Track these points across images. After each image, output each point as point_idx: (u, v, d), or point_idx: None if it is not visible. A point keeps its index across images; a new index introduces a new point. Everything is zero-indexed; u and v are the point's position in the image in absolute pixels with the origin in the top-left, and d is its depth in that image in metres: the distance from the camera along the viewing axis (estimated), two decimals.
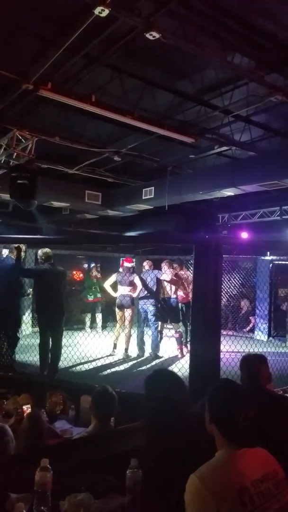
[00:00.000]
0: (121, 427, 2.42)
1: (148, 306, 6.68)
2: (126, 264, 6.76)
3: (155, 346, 6.59)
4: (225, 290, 9.49)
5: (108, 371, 5.71)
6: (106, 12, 3.21)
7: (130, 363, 6.20)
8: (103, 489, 1.66)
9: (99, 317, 9.06)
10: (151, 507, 1.61)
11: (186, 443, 1.65)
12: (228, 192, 6.92)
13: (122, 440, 2.14)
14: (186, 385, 1.92)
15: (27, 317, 8.38)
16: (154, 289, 6.71)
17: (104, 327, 8.99)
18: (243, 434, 1.51)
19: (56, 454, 1.85)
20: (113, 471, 1.76)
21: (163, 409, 1.73)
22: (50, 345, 5.20)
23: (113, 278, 6.79)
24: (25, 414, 2.76)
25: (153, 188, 7.67)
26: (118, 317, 6.72)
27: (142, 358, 6.51)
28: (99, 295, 8.78)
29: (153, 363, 6.26)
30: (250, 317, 9.80)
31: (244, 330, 9.63)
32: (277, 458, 1.55)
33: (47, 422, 2.44)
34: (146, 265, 6.96)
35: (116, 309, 6.75)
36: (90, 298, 8.87)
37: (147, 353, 6.63)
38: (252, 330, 9.51)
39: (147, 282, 6.67)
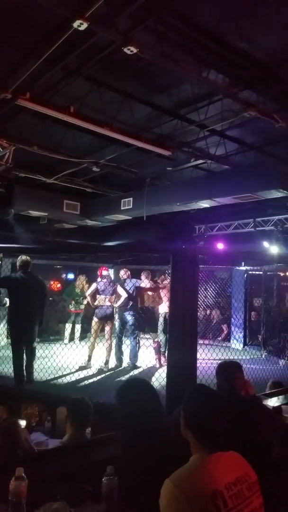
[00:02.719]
0: (96, 437, 2.41)
1: (127, 316, 6.66)
2: (104, 273, 6.71)
3: (133, 356, 6.55)
4: (201, 299, 9.58)
5: (86, 382, 5.64)
6: (84, 25, 3.28)
7: (108, 374, 6.14)
8: (79, 498, 1.65)
9: (77, 328, 8.95)
10: None
11: (161, 449, 1.66)
12: (204, 204, 7.05)
13: (98, 449, 2.13)
14: (158, 393, 1.93)
15: (1, 328, 8.19)
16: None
17: (82, 338, 8.88)
18: (217, 438, 1.54)
19: (32, 463, 1.82)
20: (89, 480, 1.75)
21: (136, 417, 1.74)
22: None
23: (93, 287, 6.71)
24: None
25: (131, 199, 7.73)
26: (95, 328, 6.51)
27: (120, 369, 6.46)
28: (82, 306, 8.66)
29: (131, 373, 6.22)
30: (222, 326, 9.94)
31: (219, 338, 9.74)
32: (251, 462, 1.59)
33: (25, 433, 2.38)
34: (123, 273, 6.87)
35: (96, 320, 6.53)
36: (73, 308, 8.77)
37: (125, 363, 6.59)
38: (227, 339, 9.63)
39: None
